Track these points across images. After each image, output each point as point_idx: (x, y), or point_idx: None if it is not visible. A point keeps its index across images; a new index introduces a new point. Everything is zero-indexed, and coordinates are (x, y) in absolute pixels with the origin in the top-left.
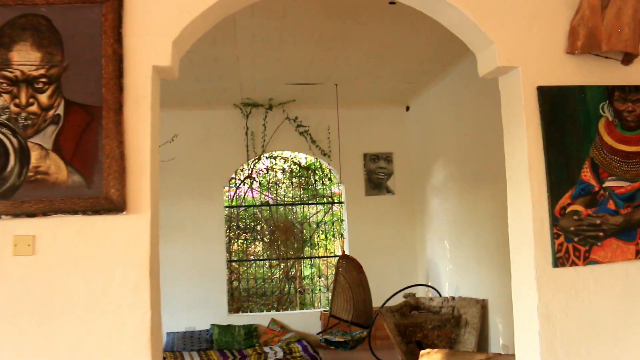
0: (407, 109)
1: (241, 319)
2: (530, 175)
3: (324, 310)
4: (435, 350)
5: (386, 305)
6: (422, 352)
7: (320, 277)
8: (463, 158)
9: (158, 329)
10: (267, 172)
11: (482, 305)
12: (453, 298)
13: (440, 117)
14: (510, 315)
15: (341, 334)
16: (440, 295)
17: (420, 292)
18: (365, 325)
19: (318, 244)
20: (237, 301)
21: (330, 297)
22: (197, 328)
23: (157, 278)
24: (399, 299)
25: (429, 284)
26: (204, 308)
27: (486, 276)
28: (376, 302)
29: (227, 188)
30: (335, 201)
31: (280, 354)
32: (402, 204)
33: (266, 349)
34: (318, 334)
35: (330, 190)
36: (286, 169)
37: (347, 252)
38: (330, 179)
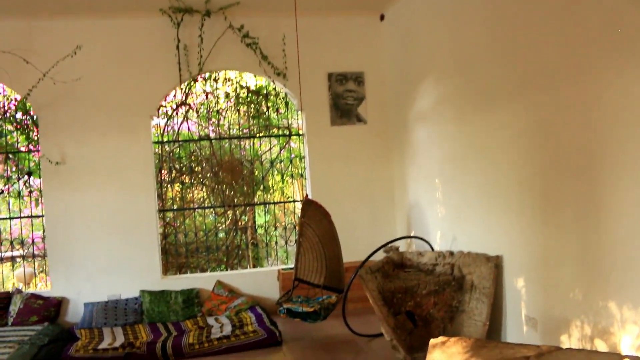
0: (382, 17)
1: (179, 283)
2: None
3: (283, 269)
4: (455, 338)
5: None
6: (432, 341)
7: (276, 228)
8: (464, 73)
9: None
10: (207, 98)
11: (496, 264)
12: (452, 253)
13: (428, 23)
14: (537, 277)
15: (305, 300)
16: (432, 250)
17: (401, 246)
18: (339, 289)
19: (273, 187)
20: (174, 260)
21: (294, 254)
22: (123, 296)
23: None
24: (377, 255)
25: (418, 236)
26: (130, 271)
27: (499, 225)
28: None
29: (155, 120)
30: (293, 133)
31: (227, 328)
32: (376, 135)
33: (210, 320)
34: (277, 303)
35: (287, 120)
36: (231, 94)
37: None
38: (287, 106)
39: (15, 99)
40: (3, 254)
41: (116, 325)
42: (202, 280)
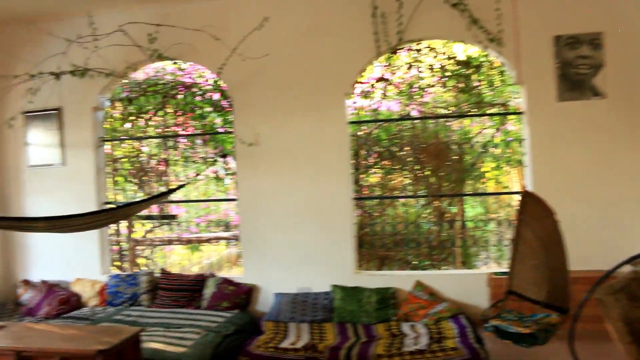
0: None
1: (373, 280)
2: None
3: (495, 273)
4: None
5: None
6: None
7: (486, 223)
8: None
9: None
10: (408, 73)
11: None
12: None
13: None
14: None
15: (518, 317)
16: None
17: None
18: (563, 307)
19: (485, 175)
20: (370, 253)
21: (509, 258)
22: (314, 289)
23: None
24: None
25: None
26: (322, 263)
27: None
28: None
29: (351, 98)
30: (511, 112)
31: (423, 339)
32: (618, 112)
33: (405, 327)
34: (482, 317)
35: (503, 95)
36: (435, 67)
37: (529, 189)
38: (502, 79)
39: (214, 80)
40: (210, 235)
41: (303, 321)
42: (399, 279)
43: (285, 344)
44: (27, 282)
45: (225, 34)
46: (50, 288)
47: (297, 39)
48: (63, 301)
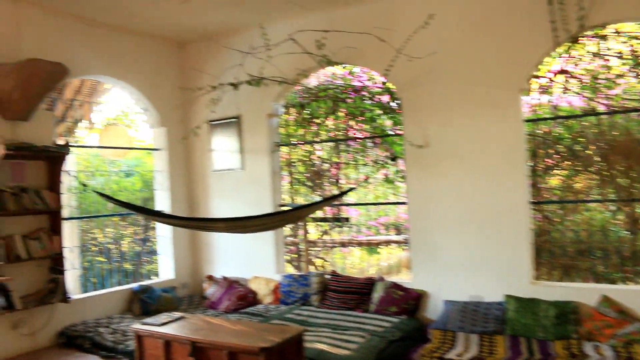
0: None
1: (551, 292)
2: None
3: None
4: None
5: None
6: None
7: None
8: None
9: None
10: (593, 63)
11: None
12: None
13: None
14: None
15: None
16: None
17: None
18: None
19: None
20: (548, 263)
21: None
22: (486, 299)
23: None
24: None
25: None
26: (494, 270)
27: None
28: None
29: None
30: None
31: None
32: None
33: (587, 347)
34: None
35: None
36: (626, 54)
37: None
38: None
39: (383, 83)
40: (382, 238)
41: (473, 332)
42: (581, 292)
43: (451, 355)
44: (211, 278)
45: (391, 35)
46: (230, 284)
47: (465, 34)
48: (241, 297)
